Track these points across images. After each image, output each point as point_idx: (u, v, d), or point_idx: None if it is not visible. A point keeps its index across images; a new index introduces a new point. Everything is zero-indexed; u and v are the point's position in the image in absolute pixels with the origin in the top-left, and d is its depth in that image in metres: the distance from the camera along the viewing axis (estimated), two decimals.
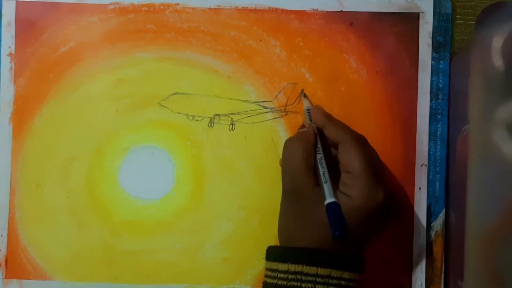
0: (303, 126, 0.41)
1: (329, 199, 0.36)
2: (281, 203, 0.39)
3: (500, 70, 0.32)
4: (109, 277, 0.43)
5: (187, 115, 0.44)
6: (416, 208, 0.43)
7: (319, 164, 0.38)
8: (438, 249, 0.43)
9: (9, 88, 0.44)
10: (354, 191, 0.36)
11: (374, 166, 0.37)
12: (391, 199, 0.39)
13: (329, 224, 0.36)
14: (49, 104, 0.44)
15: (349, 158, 0.36)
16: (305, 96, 0.43)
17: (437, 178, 0.43)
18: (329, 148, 0.40)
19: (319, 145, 0.39)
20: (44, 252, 0.43)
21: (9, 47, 0.44)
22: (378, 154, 0.39)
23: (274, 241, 0.43)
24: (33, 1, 0.44)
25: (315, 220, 0.36)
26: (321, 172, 0.37)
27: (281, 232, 0.38)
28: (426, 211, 0.43)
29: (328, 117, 0.40)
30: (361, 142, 0.38)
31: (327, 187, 0.37)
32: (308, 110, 0.42)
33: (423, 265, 0.43)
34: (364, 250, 0.39)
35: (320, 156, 0.38)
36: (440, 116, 0.43)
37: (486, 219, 0.35)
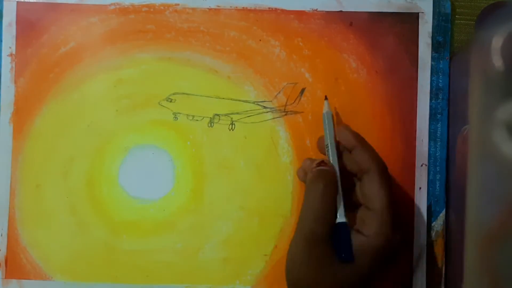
0: (322, 162, 0.38)
1: (339, 219, 0.35)
2: (292, 246, 0.36)
3: (500, 70, 0.32)
4: (109, 277, 0.43)
5: (187, 115, 0.44)
6: (416, 208, 0.43)
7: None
8: (438, 249, 0.43)
9: (9, 88, 0.44)
10: (372, 229, 0.34)
11: (394, 204, 0.35)
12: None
13: (334, 245, 0.34)
14: (49, 104, 0.44)
15: (374, 193, 0.35)
16: (326, 98, 0.42)
17: (437, 178, 0.43)
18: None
19: (339, 184, 0.37)
20: (44, 252, 0.43)
21: (10, 47, 0.44)
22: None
23: (274, 241, 0.43)
24: (34, 2, 0.44)
25: (330, 276, 0.34)
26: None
27: (290, 279, 0.36)
28: (427, 211, 0.43)
29: (359, 139, 0.37)
30: (385, 174, 0.36)
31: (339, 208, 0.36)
32: (327, 114, 0.40)
33: (423, 265, 0.43)
34: None
35: (339, 195, 0.37)
36: (440, 116, 0.43)
37: (486, 219, 0.35)
